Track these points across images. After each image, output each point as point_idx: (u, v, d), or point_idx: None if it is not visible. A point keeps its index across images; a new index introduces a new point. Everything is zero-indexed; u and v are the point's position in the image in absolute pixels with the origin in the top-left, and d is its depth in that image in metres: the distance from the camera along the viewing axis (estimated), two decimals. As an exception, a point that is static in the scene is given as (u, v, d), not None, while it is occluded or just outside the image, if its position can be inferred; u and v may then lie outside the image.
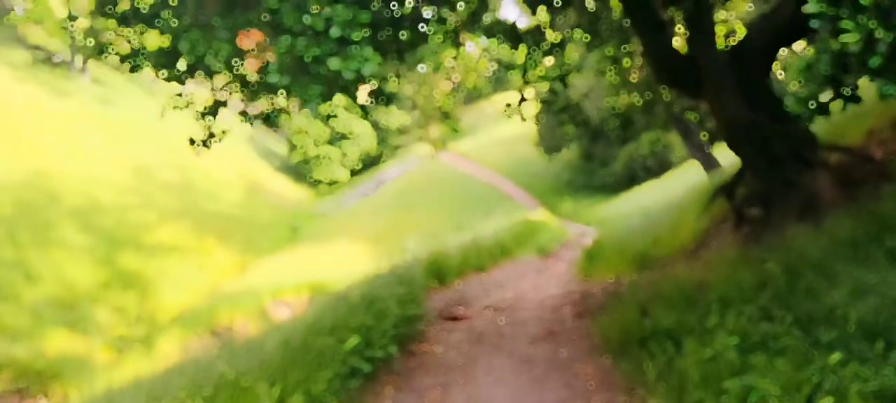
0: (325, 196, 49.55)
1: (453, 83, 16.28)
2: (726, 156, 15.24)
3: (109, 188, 30.61)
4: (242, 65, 3.41)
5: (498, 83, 72.05)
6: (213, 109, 7.09)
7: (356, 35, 3.36)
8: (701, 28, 7.88)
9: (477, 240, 14.22)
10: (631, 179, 31.51)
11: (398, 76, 9.42)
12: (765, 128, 7.51)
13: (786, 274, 5.53)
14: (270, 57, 3.33)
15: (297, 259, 28.54)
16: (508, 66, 9.64)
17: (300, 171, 51.57)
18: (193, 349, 19.86)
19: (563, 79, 9.09)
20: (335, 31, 3.29)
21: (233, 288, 23.82)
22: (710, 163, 13.87)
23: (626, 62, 10.58)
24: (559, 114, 9.64)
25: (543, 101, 9.29)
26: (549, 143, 34.86)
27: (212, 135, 7.76)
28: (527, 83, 9.16)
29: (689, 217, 9.85)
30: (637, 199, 24.70)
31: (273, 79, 3.32)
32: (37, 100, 36.19)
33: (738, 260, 7.10)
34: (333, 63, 3.31)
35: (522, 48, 9.10)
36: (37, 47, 42.25)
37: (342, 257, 27.84)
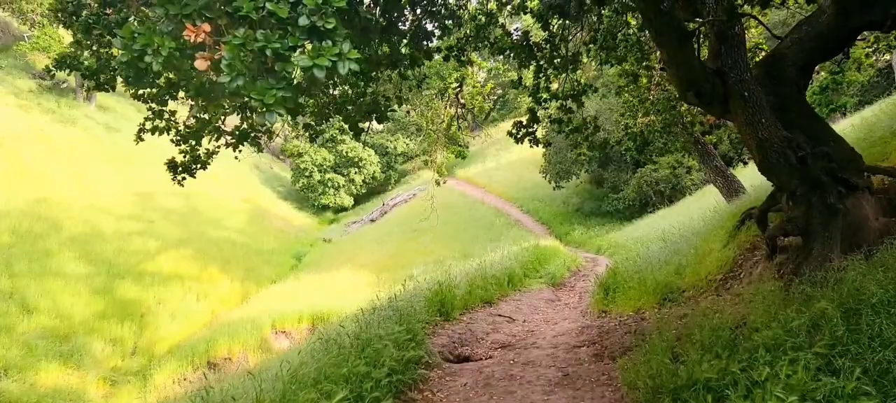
0: (329, 223, 48.95)
1: (460, 107, 15.64)
2: (748, 180, 14.48)
3: (111, 215, 30.13)
4: (190, 64, 2.76)
5: (505, 108, 71.91)
6: (197, 133, 6.40)
7: (329, 23, 2.71)
8: (730, 40, 7.20)
9: (484, 269, 13.49)
10: (642, 205, 30.70)
11: (399, 99, 8.78)
12: (802, 148, 6.80)
13: (842, 315, 4.78)
14: (224, 53, 2.68)
15: (299, 287, 27.77)
16: (516, 85, 8.95)
17: (305, 198, 51.08)
18: (188, 382, 19.17)
19: (577, 97, 8.40)
20: (303, 20, 2.65)
21: (233, 318, 23.04)
22: (731, 188, 13.11)
23: (643, 80, 9.91)
24: (572, 134, 8.93)
25: (555, 121, 8.58)
26: (558, 170, 34.08)
27: (196, 161, 7.05)
28: (538, 102, 8.47)
29: (714, 245, 9.08)
30: (651, 226, 23.85)
31: (224, 79, 2.66)
32: (41, 127, 35.99)
33: (778, 295, 6.37)
34: (300, 59, 2.65)
35: (533, 67, 8.46)
36: (43, 75, 42.17)
37: (346, 285, 27.08)
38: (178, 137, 6.88)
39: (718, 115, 7.59)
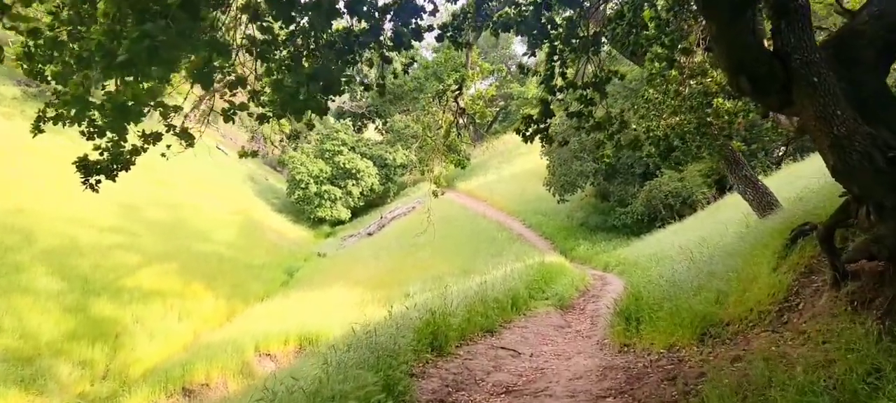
0: (326, 236, 47.44)
1: (459, 113, 14.13)
2: (781, 193, 12.96)
3: (90, 227, 28.61)
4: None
5: (507, 119, 70.61)
6: (117, 121, 4.87)
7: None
8: (792, 14, 5.71)
9: (484, 291, 11.95)
10: (651, 220, 29.17)
11: (381, 86, 7.27)
12: (893, 147, 5.29)
13: None
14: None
15: (288, 305, 26.19)
16: (523, 71, 7.39)
17: (301, 210, 49.57)
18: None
19: (599, 85, 6.89)
20: None
21: (215, 339, 21.46)
22: (763, 200, 11.59)
23: (673, 72, 8.38)
24: (593, 132, 7.41)
25: (573, 115, 7.05)
26: (563, 183, 32.55)
27: (117, 159, 5.55)
28: (551, 92, 6.94)
29: (759, 268, 7.55)
30: (663, 242, 22.34)
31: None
32: (22, 135, 34.50)
33: (866, 338, 4.87)
34: None
35: (545, 49, 6.96)
36: (28, 82, 40.87)
37: (338, 303, 25.55)
38: (93, 129, 5.38)
39: (776, 108, 6.08)
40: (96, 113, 4.96)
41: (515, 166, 49.61)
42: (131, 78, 3.45)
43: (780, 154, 27.43)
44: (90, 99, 4.07)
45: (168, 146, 5.94)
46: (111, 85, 4.00)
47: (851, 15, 6.24)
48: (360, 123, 64.16)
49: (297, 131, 7.10)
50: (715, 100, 8.53)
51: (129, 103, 4.10)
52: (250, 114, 5.87)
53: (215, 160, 54.57)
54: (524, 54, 7.32)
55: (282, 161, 60.24)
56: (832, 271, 6.13)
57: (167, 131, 5.68)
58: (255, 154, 6.33)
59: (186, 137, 5.57)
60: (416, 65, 57.67)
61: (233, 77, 5.12)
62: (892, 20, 5.86)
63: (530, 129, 7.11)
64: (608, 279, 19.59)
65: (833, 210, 7.69)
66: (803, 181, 14.99)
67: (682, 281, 8.81)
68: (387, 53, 6.25)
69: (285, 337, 20.67)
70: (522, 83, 65.11)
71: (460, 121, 14.45)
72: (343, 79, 6.06)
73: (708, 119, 8.70)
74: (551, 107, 6.96)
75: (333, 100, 6.10)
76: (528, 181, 41.88)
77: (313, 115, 6.08)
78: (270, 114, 5.64)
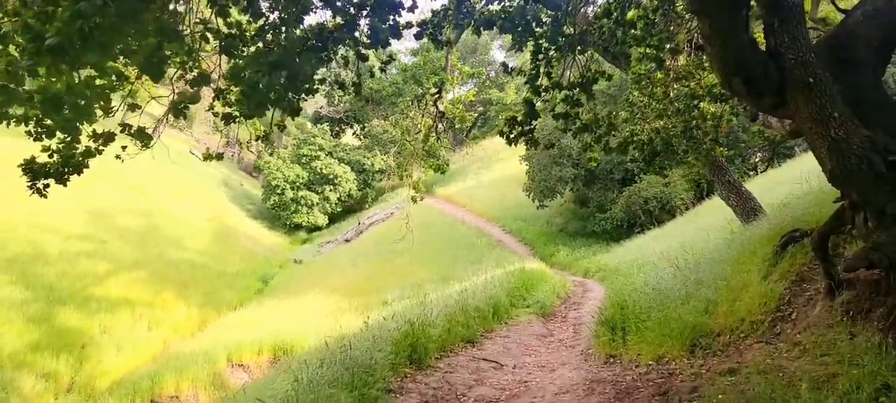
0: (302, 243, 46.73)
1: (439, 117, 13.84)
2: (762, 199, 12.83)
3: (58, 235, 27.68)
4: None
5: (486, 125, 70.51)
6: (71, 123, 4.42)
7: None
8: (785, 11, 5.48)
9: (465, 300, 11.61)
10: (630, 225, 29.09)
11: (357, 85, 6.91)
12: (892, 150, 5.07)
13: None
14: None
15: (263, 314, 25.57)
16: (507, 71, 7.05)
17: (277, 216, 48.78)
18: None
19: (586, 86, 6.58)
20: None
21: (186, 349, 20.79)
22: (747, 206, 11.41)
23: (658, 74, 8.12)
24: (580, 134, 7.09)
25: (559, 116, 6.73)
26: (542, 188, 32.35)
27: (68, 162, 5.10)
28: (536, 93, 6.62)
29: (749, 276, 7.32)
30: (643, 248, 22.20)
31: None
32: (-12, 139, 33.42)
33: (868, 351, 4.64)
34: None
35: (529, 48, 6.64)
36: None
37: (314, 311, 25.00)
38: (40, 129, 4.92)
39: (769, 110, 5.84)
40: (28, 106, 4.47)
41: (495, 172, 49.44)
42: (67, 66, 3.05)
43: (757, 160, 27.59)
44: (21, 89, 3.62)
45: (123, 147, 5.48)
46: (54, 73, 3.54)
47: (843, 13, 6.04)
48: (337, 128, 63.27)
49: (267, 133, 6.66)
50: (701, 103, 8.29)
51: (66, 95, 3.69)
52: (215, 114, 5.45)
53: (189, 165, 53.55)
54: (510, 49, 6.99)
55: (258, 166, 59.34)
56: (826, 279, 5.91)
57: (122, 131, 5.24)
58: (220, 157, 5.92)
59: (142, 137, 5.14)
60: (394, 67, 57.52)
61: (195, 73, 4.72)
62: (886, 19, 5.67)
63: (514, 132, 6.79)
64: (589, 285, 19.38)
65: (823, 216, 7.50)
66: (784, 187, 14.91)
67: (669, 290, 8.56)
68: (363, 51, 5.88)
69: (259, 347, 20.12)
70: (502, 88, 65.11)
71: (439, 125, 14.15)
72: (316, 78, 5.71)
73: (694, 122, 8.46)
74: (536, 108, 6.65)
75: (306, 99, 5.73)
76: (508, 187, 41.68)
77: (284, 115, 5.69)
78: (237, 114, 5.24)
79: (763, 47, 5.50)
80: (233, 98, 5.20)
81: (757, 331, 6.50)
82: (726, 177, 11.78)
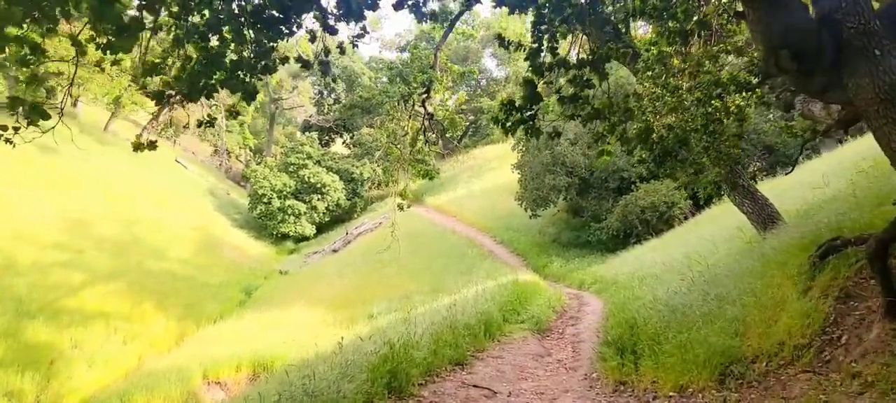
0: (289, 253, 45.60)
1: (427, 118, 12.89)
2: (782, 205, 11.94)
3: (32, 245, 26.49)
4: None
5: (477, 134, 69.79)
6: None
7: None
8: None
9: (454, 316, 10.65)
10: (626, 236, 28.21)
11: (324, 64, 5.95)
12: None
13: None
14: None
15: (245, 327, 24.48)
16: (503, 44, 6.05)
17: (263, 226, 47.63)
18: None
19: (598, 64, 5.65)
20: None
21: (161, 365, 19.67)
22: (763, 213, 10.49)
23: (675, 60, 7.17)
24: (591, 121, 6.13)
25: (566, 100, 5.77)
26: (535, 197, 31.45)
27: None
28: (539, 73, 5.67)
29: (783, 291, 6.42)
30: (641, 259, 21.32)
31: None
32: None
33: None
34: None
35: (531, 14, 5.70)
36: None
37: (298, 324, 23.96)
38: None
39: (817, 92, 4.94)
40: None
41: (486, 181, 48.59)
42: None
43: (755, 169, 26.81)
44: None
45: (15, 128, 4.47)
46: None
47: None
48: (327, 137, 62.56)
49: (231, 112, 5.65)
50: (725, 93, 7.33)
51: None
52: (147, 93, 4.51)
53: (176, 174, 52.42)
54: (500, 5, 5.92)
55: (245, 175, 58.21)
56: (885, 297, 4.99)
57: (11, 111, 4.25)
58: (152, 145, 4.93)
59: (35, 115, 4.15)
60: (384, 75, 56.40)
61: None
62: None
63: (511, 119, 5.86)
64: (585, 298, 18.47)
65: (867, 222, 6.62)
66: (795, 192, 14.09)
67: (685, 306, 7.62)
68: (333, 24, 4.96)
69: (237, 363, 19.00)
70: (493, 97, 64.47)
71: (427, 126, 13.26)
72: (275, 55, 4.77)
73: (717, 116, 7.47)
74: (538, 90, 5.72)
75: (262, 79, 4.79)
76: (499, 196, 40.86)
77: (239, 99, 4.75)
78: (173, 91, 4.31)
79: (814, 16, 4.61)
80: (172, 74, 4.28)
81: (801, 358, 5.57)
82: (740, 181, 10.89)
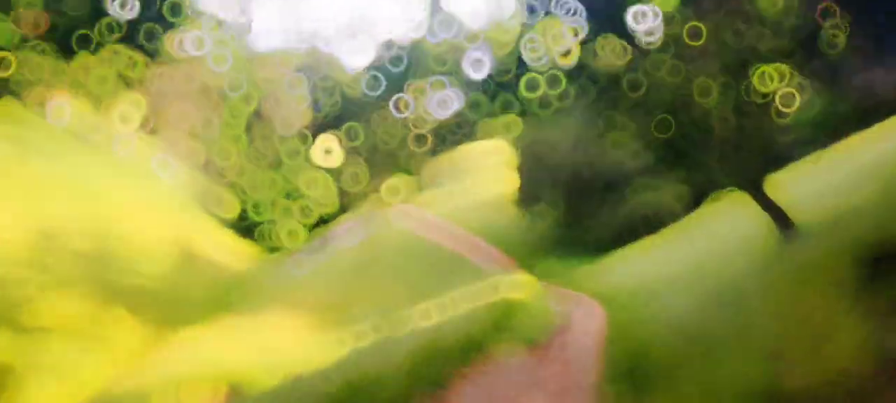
0: (274, 259, 44.34)
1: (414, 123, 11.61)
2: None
3: (-8, 256, 24.96)
4: None
5: (467, 130, 68.51)
6: None
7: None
8: None
9: (436, 333, 9.36)
10: (621, 235, 27.04)
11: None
12: None
13: None
14: None
15: (221, 339, 23.18)
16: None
17: (248, 230, 46.34)
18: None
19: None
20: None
21: (122, 387, 18.33)
22: (778, 216, 9.07)
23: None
24: (602, 97, 4.82)
25: (572, 75, 4.46)
26: (527, 196, 30.43)
27: None
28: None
29: (827, 311, 5.10)
30: (641, 262, 20.15)
31: None
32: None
33: None
34: None
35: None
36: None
37: (278, 336, 22.69)
38: None
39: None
40: None
41: (475, 182, 47.56)
42: None
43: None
44: None
45: None
46: None
47: None
48: (317, 140, 61.39)
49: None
50: (760, 64, 5.83)
51: None
52: None
53: (158, 178, 50.90)
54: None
55: (232, 179, 56.85)
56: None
57: None
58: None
59: None
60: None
61: None
62: None
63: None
64: (585, 304, 17.24)
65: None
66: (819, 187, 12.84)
67: (703, 331, 6.30)
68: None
69: (211, 383, 17.68)
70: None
71: (415, 128, 12.00)
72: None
73: (748, 97, 5.96)
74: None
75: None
76: (488, 196, 39.94)
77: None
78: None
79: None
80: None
81: (870, 397, 4.27)
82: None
